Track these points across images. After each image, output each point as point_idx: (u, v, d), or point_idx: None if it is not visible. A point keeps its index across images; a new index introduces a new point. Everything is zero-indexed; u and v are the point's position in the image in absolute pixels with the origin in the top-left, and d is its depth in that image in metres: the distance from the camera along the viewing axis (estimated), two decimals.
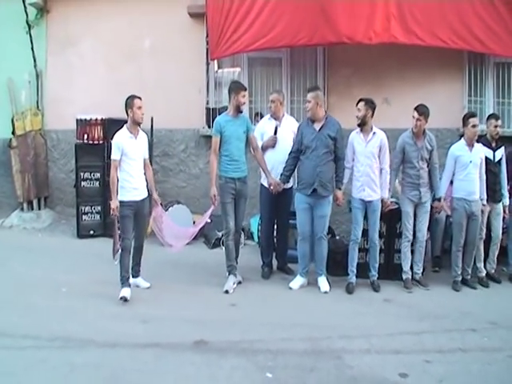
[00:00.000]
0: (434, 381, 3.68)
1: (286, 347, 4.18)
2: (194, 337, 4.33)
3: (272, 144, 5.95)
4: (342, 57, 7.64)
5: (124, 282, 5.31)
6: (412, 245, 5.87)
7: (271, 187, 5.78)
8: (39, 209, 8.65)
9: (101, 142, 7.80)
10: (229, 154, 5.69)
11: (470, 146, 5.79)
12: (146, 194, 5.51)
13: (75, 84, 8.47)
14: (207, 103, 8.18)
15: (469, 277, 5.91)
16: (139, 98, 5.45)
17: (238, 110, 5.73)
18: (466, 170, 5.76)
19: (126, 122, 5.53)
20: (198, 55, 8.12)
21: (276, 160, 5.91)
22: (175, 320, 4.76)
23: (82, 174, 7.87)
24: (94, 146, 7.81)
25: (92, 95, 8.24)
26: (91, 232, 7.72)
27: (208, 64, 8.11)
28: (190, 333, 4.43)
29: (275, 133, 5.95)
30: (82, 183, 7.89)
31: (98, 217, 7.84)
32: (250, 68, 8.18)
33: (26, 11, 8.59)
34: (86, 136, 7.78)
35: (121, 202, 5.30)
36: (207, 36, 7.77)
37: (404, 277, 5.84)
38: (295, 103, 7.94)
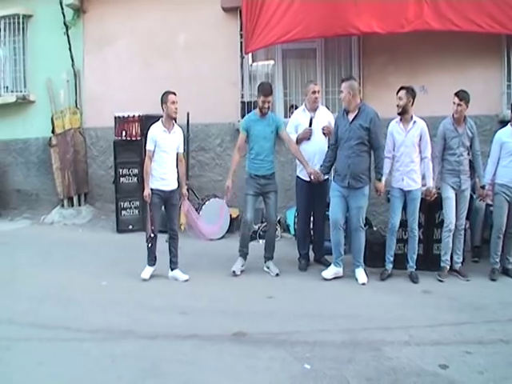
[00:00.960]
0: (474, 372, 3.62)
1: (323, 339, 4.17)
2: (233, 328, 4.38)
3: (307, 136, 5.94)
4: (377, 45, 7.54)
5: (149, 262, 5.76)
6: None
7: (311, 176, 5.76)
8: (79, 205, 8.89)
9: (138, 138, 7.94)
10: (254, 152, 5.86)
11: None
12: (175, 186, 5.75)
13: (112, 82, 8.63)
14: (242, 97, 8.21)
15: (510, 266, 5.77)
16: (173, 93, 5.69)
17: (262, 112, 5.81)
18: (511, 156, 5.62)
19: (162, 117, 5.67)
20: (233, 49, 8.15)
21: (311, 152, 5.91)
22: (213, 312, 4.82)
23: (120, 170, 8.04)
24: (131, 143, 7.96)
25: (129, 92, 8.39)
26: (130, 227, 7.88)
27: (242, 58, 8.14)
28: (228, 324, 4.47)
29: (310, 125, 5.93)
30: (121, 179, 8.05)
31: (136, 212, 7.99)
32: (284, 60, 8.16)
33: (63, 12, 8.83)
34: (123, 133, 7.94)
35: (151, 189, 5.64)
36: (241, 29, 7.79)
37: (442, 265, 5.74)
38: (330, 94, 7.88)
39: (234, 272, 5.83)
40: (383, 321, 4.52)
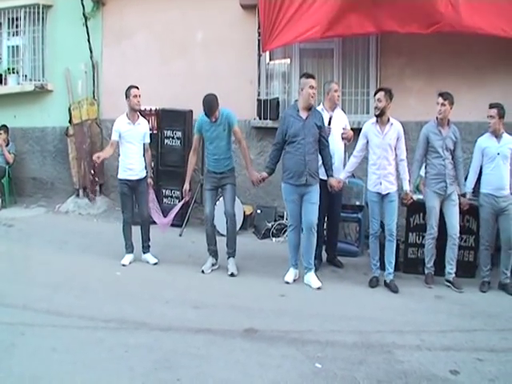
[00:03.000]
0: (485, 379, 3.63)
1: (335, 339, 4.20)
2: (244, 324, 4.42)
3: (327, 135, 5.94)
4: (396, 46, 7.47)
5: (127, 249, 6.12)
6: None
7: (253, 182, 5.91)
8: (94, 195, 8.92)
9: (155, 131, 7.95)
10: (210, 152, 5.93)
11: (497, 137, 5.54)
12: (142, 175, 6.10)
13: (129, 75, 8.63)
14: (258, 95, 8.20)
15: (507, 281, 5.49)
16: (136, 87, 6.13)
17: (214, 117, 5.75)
18: (494, 162, 5.51)
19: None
20: (250, 47, 8.14)
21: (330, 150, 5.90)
22: (226, 307, 4.86)
23: None
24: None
25: (146, 86, 8.32)
26: (149, 221, 7.88)
27: (260, 56, 8.12)
28: (240, 320, 4.51)
29: (329, 123, 5.92)
30: None
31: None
32: (301, 59, 8.13)
33: (82, 4, 8.84)
34: None
35: (118, 179, 6.12)
36: (259, 27, 7.78)
37: (426, 271, 5.69)
38: (346, 95, 7.85)
39: (202, 271, 5.85)
40: (395, 324, 4.54)
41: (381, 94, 5.47)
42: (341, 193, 6.04)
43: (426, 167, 5.75)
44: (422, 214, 5.87)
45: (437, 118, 5.63)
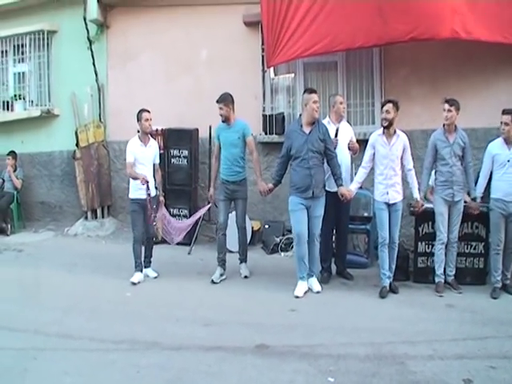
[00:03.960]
0: None
1: (347, 352, 4.17)
2: (256, 341, 4.40)
3: (334, 147, 5.95)
4: (399, 57, 7.51)
5: (136, 267, 6.20)
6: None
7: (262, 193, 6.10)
8: (103, 217, 8.98)
9: (161, 151, 7.99)
10: (223, 158, 6.24)
11: (509, 143, 5.53)
12: (153, 193, 6.23)
13: (135, 96, 8.71)
14: (263, 110, 8.24)
15: (507, 282, 5.60)
16: (147, 111, 6.34)
17: (226, 120, 6.21)
18: (503, 169, 5.51)
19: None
20: (254, 63, 8.20)
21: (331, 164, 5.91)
22: (236, 324, 4.85)
23: None
24: None
25: (152, 106, 8.34)
26: (153, 239, 7.91)
27: (264, 71, 8.18)
28: (251, 337, 4.50)
29: (336, 135, 5.94)
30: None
31: (159, 224, 8.02)
32: (305, 73, 8.18)
33: (87, 28, 8.97)
34: None
35: (130, 199, 6.28)
36: (263, 44, 7.85)
37: (436, 280, 5.69)
38: (352, 107, 7.88)
39: (212, 281, 6.07)
40: (407, 334, 4.50)
41: (389, 106, 5.54)
42: (349, 204, 6.04)
43: (435, 174, 5.77)
44: (430, 223, 5.86)
45: (444, 124, 5.65)
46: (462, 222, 5.77)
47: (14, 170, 9.14)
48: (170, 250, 7.04)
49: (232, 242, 6.48)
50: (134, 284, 6.06)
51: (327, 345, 4.33)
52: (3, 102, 9.83)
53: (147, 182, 6.03)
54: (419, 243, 5.95)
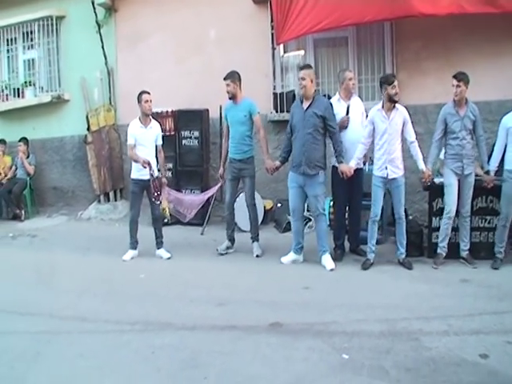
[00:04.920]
0: None
1: (361, 329, 4.15)
2: (269, 319, 4.38)
3: (345, 124, 5.91)
4: (411, 30, 7.36)
5: (130, 245, 6.38)
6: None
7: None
8: (115, 200, 9.03)
9: (172, 133, 8.01)
10: (231, 136, 6.30)
11: None
12: (155, 174, 6.25)
13: (145, 78, 8.67)
14: (274, 88, 8.18)
15: None
16: (147, 92, 6.37)
17: (229, 98, 6.30)
18: None
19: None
20: (264, 41, 8.12)
21: (348, 141, 5.86)
22: (250, 303, 4.84)
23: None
24: (166, 138, 7.94)
25: (162, 88, 8.42)
26: (165, 220, 7.92)
27: (274, 49, 8.10)
28: (264, 315, 4.48)
29: (347, 113, 5.88)
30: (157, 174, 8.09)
31: (171, 205, 8.02)
32: (315, 49, 8.08)
33: (95, 12, 8.92)
34: None
35: (131, 179, 6.38)
36: (272, 21, 7.75)
37: (438, 251, 5.68)
38: (363, 82, 7.77)
39: (217, 250, 6.32)
40: (421, 310, 4.46)
41: (396, 82, 5.50)
42: (361, 181, 5.99)
43: (445, 147, 5.70)
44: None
45: (454, 99, 5.56)
46: (477, 196, 5.70)
47: (27, 157, 9.19)
48: (182, 231, 7.06)
49: (243, 221, 6.47)
50: (124, 261, 6.27)
51: (341, 322, 4.30)
52: (14, 89, 9.87)
53: (149, 163, 6.09)
54: (433, 218, 5.88)
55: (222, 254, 6.29)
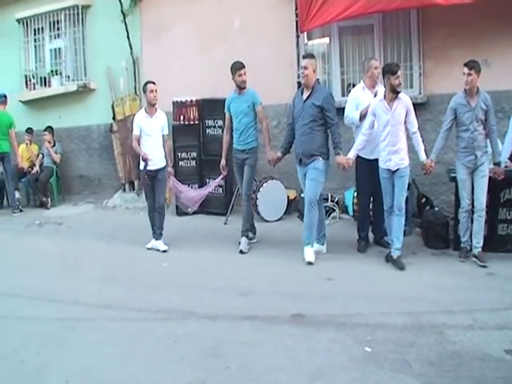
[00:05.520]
0: None
1: (384, 321, 4.12)
2: (291, 310, 4.38)
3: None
4: (437, 18, 7.20)
5: (153, 234, 6.38)
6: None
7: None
8: (140, 189, 9.04)
9: (196, 122, 8.04)
10: (235, 128, 6.25)
11: None
12: (161, 165, 6.35)
13: (170, 68, 8.70)
14: (298, 77, 8.09)
15: None
16: (153, 82, 6.40)
17: (240, 88, 6.16)
18: None
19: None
20: (288, 29, 8.05)
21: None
22: (272, 293, 4.84)
23: (179, 153, 8.16)
24: (190, 127, 8.05)
25: (186, 77, 8.44)
26: (189, 209, 7.96)
27: (298, 37, 8.02)
28: (287, 306, 4.48)
29: None
30: (180, 163, 8.17)
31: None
32: (340, 37, 7.98)
33: (120, 1, 8.95)
34: (182, 117, 8.05)
35: (139, 170, 6.46)
36: (296, 9, 7.67)
37: (461, 245, 5.59)
38: None
39: (242, 252, 6.08)
40: (446, 304, 4.41)
41: (400, 72, 5.35)
42: None
43: (457, 139, 5.57)
44: None
45: (465, 89, 5.41)
46: (503, 188, 5.60)
47: (53, 145, 9.30)
48: (206, 221, 7.10)
49: (266, 211, 6.43)
50: (148, 249, 6.33)
51: (364, 314, 4.28)
52: (40, 78, 10.00)
53: (147, 159, 6.15)
54: (459, 210, 5.76)
55: (245, 253, 6.12)
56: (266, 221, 6.64)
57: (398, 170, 5.42)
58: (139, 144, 6.32)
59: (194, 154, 8.09)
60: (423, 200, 6.86)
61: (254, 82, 7.73)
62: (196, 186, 7.64)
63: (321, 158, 5.62)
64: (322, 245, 5.93)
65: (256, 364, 3.56)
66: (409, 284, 4.96)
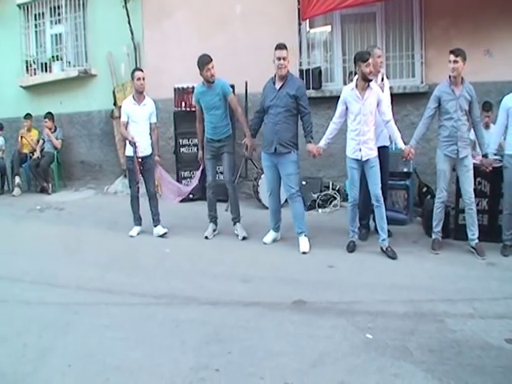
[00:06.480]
0: None
1: (385, 309, 4.14)
2: (293, 297, 4.40)
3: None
4: (440, 6, 7.19)
5: (134, 221, 6.52)
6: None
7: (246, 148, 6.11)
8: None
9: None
10: (208, 120, 6.15)
11: None
12: (148, 152, 6.39)
13: (171, 54, 8.67)
14: (300, 64, 8.08)
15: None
16: (140, 70, 6.47)
17: (208, 82, 6.02)
18: None
19: None
20: (289, 16, 8.01)
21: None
22: (274, 280, 4.86)
23: (180, 140, 8.18)
24: (191, 113, 7.96)
25: (188, 64, 8.31)
26: (190, 196, 7.97)
27: (300, 25, 7.99)
28: (288, 293, 4.50)
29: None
30: (181, 149, 8.19)
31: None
32: (342, 25, 7.95)
33: None
34: (183, 104, 8.04)
35: (126, 156, 6.49)
36: None
37: (433, 236, 5.59)
38: (391, 59, 7.64)
39: (206, 237, 6.20)
40: (446, 293, 4.43)
41: (371, 60, 5.31)
42: (387, 160, 5.90)
43: (439, 128, 5.53)
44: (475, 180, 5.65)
45: (449, 76, 5.38)
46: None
47: (54, 131, 9.29)
48: (206, 207, 7.04)
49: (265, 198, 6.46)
50: (131, 237, 6.39)
51: (365, 302, 4.30)
52: (41, 64, 9.98)
53: (135, 143, 6.16)
54: (460, 199, 5.77)
55: (207, 238, 6.22)
56: (267, 208, 6.61)
57: (368, 160, 5.41)
58: (126, 129, 6.36)
59: (196, 141, 8.05)
60: (424, 189, 6.88)
61: (256, 69, 7.76)
62: (198, 172, 7.59)
63: (295, 150, 5.68)
64: (278, 232, 6.08)
65: (258, 349, 3.58)
66: (409, 272, 4.97)
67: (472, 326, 3.82)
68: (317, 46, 8.17)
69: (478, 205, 5.70)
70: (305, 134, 5.70)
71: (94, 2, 9.48)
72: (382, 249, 5.49)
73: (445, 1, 6.99)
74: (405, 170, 6.51)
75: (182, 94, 8.05)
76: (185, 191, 7.01)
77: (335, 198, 7.29)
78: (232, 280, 4.88)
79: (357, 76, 5.42)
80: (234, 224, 6.28)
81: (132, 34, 9.00)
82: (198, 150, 6.59)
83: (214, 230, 6.36)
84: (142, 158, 6.29)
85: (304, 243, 5.69)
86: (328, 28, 8.08)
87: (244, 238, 6.12)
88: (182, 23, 8.74)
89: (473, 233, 5.43)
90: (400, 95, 7.04)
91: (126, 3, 8.91)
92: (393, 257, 5.35)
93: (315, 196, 7.29)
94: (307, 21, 7.91)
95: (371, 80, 5.35)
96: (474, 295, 4.36)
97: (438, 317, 3.98)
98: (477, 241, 5.41)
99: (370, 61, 5.26)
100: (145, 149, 6.35)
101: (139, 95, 6.36)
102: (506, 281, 4.68)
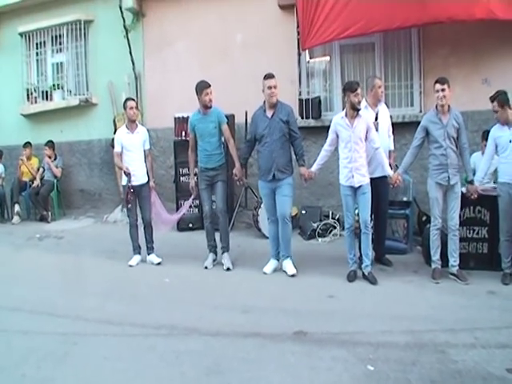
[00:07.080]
0: None
1: (386, 340, 4.11)
2: (294, 327, 4.37)
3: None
4: (438, 36, 7.31)
5: (133, 250, 6.50)
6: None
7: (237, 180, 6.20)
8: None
9: None
10: (202, 148, 6.19)
11: (508, 124, 5.33)
12: (144, 180, 6.44)
13: (172, 83, 8.76)
14: (300, 94, 8.17)
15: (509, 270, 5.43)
16: (132, 99, 6.59)
17: (206, 108, 6.13)
18: (507, 151, 5.32)
19: None
20: (290, 46, 8.12)
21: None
22: (274, 310, 4.82)
23: (180, 169, 8.19)
24: None
25: (188, 93, 8.37)
26: (190, 225, 7.99)
27: (299, 55, 8.10)
28: (289, 323, 4.47)
29: (376, 118, 5.84)
30: (181, 178, 8.20)
31: (196, 210, 8.08)
32: (342, 55, 8.07)
33: (122, 16, 9.03)
34: (183, 133, 8.06)
35: (122, 186, 6.56)
36: (298, 26, 7.75)
37: (433, 266, 5.58)
38: (389, 89, 7.71)
39: (206, 267, 6.17)
40: (447, 322, 4.40)
41: (360, 90, 5.42)
42: (387, 189, 5.92)
43: (429, 157, 5.58)
44: (472, 208, 5.74)
45: (436, 106, 5.46)
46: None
47: (54, 159, 9.34)
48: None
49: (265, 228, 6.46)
50: (130, 266, 6.36)
51: (366, 332, 4.27)
52: (42, 92, 10.07)
53: (129, 173, 6.22)
54: (460, 228, 5.77)
55: (207, 268, 6.19)
56: (267, 237, 6.61)
57: (360, 186, 5.47)
58: (121, 161, 6.39)
59: (196, 170, 8.09)
60: (424, 218, 6.88)
61: (256, 98, 7.79)
62: (197, 202, 7.61)
63: (291, 174, 5.80)
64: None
65: (258, 381, 3.55)
66: (410, 302, 4.95)
67: (473, 355, 3.79)
68: (316, 76, 8.26)
69: (477, 233, 5.75)
70: (297, 158, 5.81)
71: (95, 32, 9.62)
72: (363, 274, 5.53)
73: (443, 30, 7.10)
74: (404, 198, 6.54)
75: (182, 123, 8.10)
76: (174, 219, 6.96)
77: (335, 227, 7.29)
78: (232, 311, 4.85)
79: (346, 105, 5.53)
80: (223, 253, 6.26)
81: (133, 63, 9.12)
82: (191, 179, 6.57)
83: (214, 260, 6.33)
84: (138, 185, 6.34)
85: (291, 266, 5.81)
86: (327, 58, 8.19)
87: (228, 269, 6.07)
88: (182, 53, 8.86)
89: (454, 259, 5.47)
90: (399, 124, 7.10)
91: (127, 33, 9.07)
92: (373, 282, 5.41)
93: (315, 225, 7.29)
94: (307, 51, 8.01)
95: (359, 109, 5.45)
96: (475, 325, 4.33)
97: (439, 347, 3.95)
98: (457, 267, 5.46)
99: (359, 91, 5.37)
100: (141, 177, 6.40)
101: (132, 124, 6.45)
102: (506, 310, 4.66)
